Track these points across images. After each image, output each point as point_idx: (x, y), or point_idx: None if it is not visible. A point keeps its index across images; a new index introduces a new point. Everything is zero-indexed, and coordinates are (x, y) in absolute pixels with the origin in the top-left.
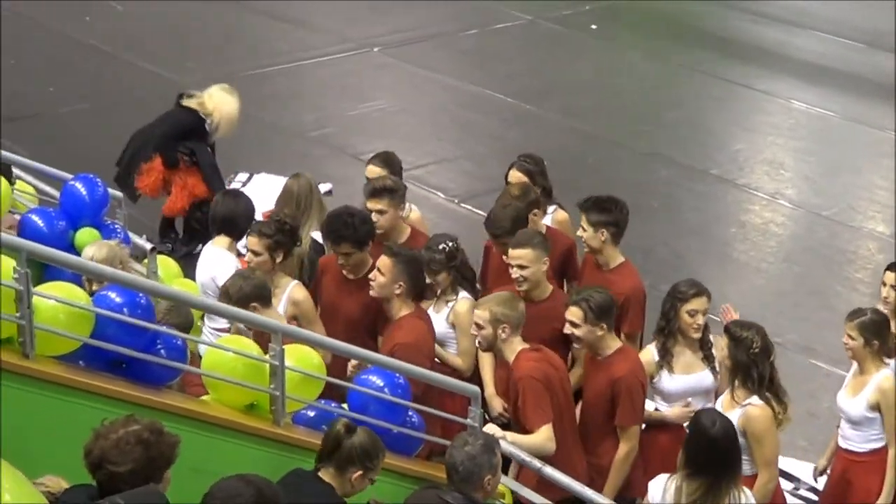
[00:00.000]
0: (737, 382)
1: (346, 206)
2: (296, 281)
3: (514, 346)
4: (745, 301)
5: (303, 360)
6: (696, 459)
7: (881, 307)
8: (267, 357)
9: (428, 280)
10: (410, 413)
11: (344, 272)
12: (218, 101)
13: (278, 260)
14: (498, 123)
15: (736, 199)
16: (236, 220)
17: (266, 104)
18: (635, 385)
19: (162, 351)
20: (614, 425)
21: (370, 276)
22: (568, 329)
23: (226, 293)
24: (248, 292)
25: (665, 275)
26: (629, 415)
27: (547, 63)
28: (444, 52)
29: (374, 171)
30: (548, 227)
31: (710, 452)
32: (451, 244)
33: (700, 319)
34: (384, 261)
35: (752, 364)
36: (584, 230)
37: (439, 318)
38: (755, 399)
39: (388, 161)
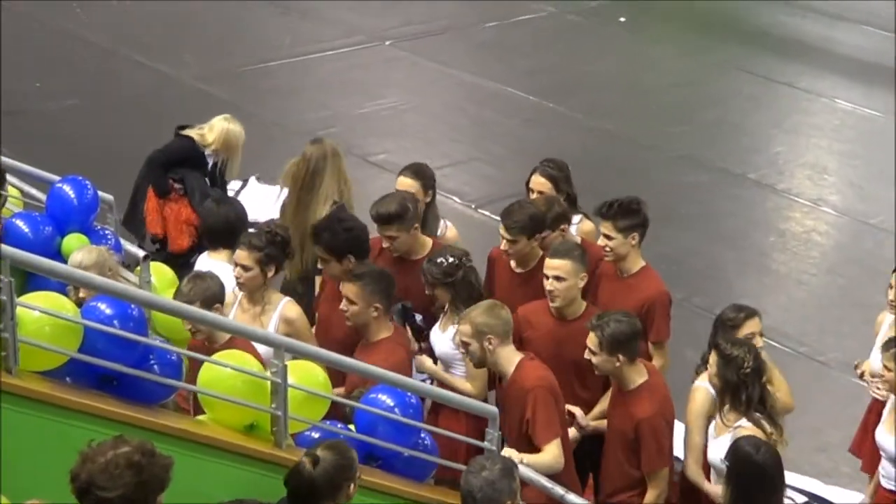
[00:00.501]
0: (726, 404)
1: (349, 214)
2: (288, 298)
3: (510, 357)
4: (785, 316)
5: (307, 377)
6: (745, 493)
7: (889, 312)
8: (268, 374)
9: (427, 292)
10: (423, 435)
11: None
12: (219, 132)
13: (270, 274)
14: (518, 123)
15: (775, 206)
16: (232, 228)
17: (267, 101)
18: (660, 426)
19: (155, 367)
20: (637, 465)
21: (341, 307)
22: (587, 355)
23: (196, 294)
24: (215, 291)
25: (698, 286)
26: (655, 459)
27: (571, 58)
28: (461, 46)
29: (405, 183)
30: (582, 240)
31: (760, 481)
32: (451, 259)
33: (759, 342)
34: (350, 288)
35: (742, 385)
36: (612, 238)
37: (445, 338)
38: (744, 422)
39: (420, 173)
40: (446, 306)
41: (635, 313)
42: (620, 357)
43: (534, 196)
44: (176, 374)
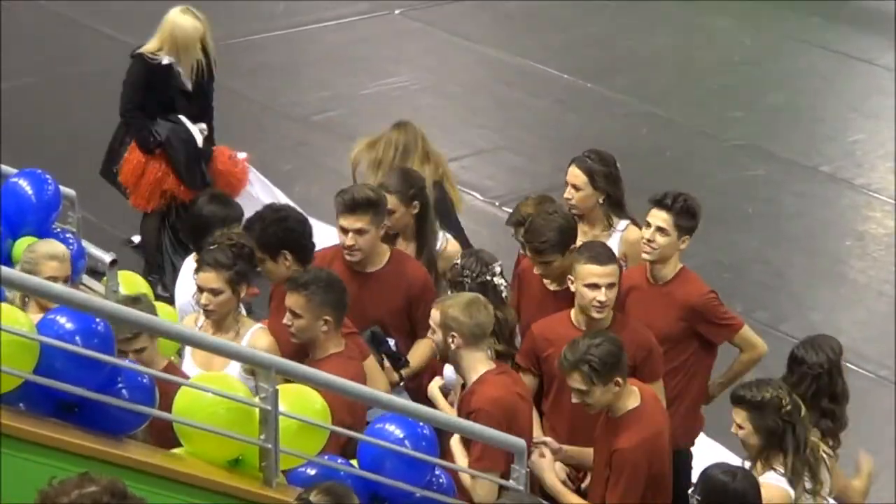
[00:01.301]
0: (764, 459)
1: (286, 206)
2: (259, 325)
3: (474, 365)
4: (864, 333)
5: (302, 404)
6: None
7: None
8: (257, 400)
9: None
10: (437, 472)
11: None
12: (162, 32)
13: (243, 294)
14: (551, 106)
15: (852, 204)
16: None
17: (257, 80)
18: (637, 462)
19: (124, 391)
20: None
21: (285, 320)
22: (575, 398)
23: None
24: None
25: (761, 299)
26: (618, 497)
27: (615, 30)
28: (485, 15)
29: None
30: None
31: None
32: (468, 263)
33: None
34: (295, 299)
35: (788, 426)
36: (667, 233)
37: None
38: (771, 476)
39: (400, 180)
40: None
41: (678, 324)
42: (618, 380)
43: (567, 191)
44: (148, 400)
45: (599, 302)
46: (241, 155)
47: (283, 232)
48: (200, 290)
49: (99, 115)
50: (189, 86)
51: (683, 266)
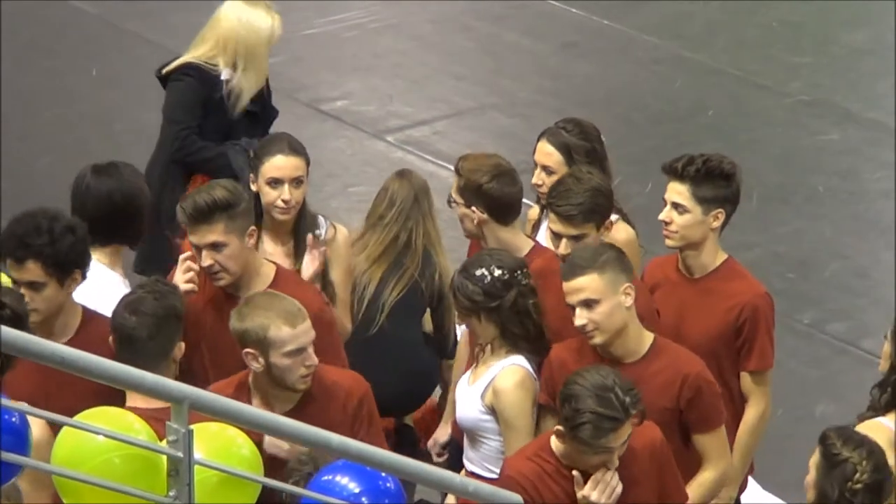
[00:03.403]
0: None
1: (60, 210)
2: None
3: None
4: None
5: (225, 449)
6: None
7: None
8: (163, 445)
9: (458, 322)
10: None
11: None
12: (226, 28)
13: None
14: (557, 51)
15: None
16: (115, 212)
17: (157, 20)
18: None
19: None
20: None
21: None
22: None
23: None
24: None
25: (837, 307)
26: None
27: None
28: None
29: (292, 164)
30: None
31: None
32: (497, 272)
33: None
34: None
35: None
36: (684, 209)
37: (473, 394)
38: None
39: (303, 148)
40: (479, 345)
41: (720, 331)
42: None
43: (536, 175)
44: (19, 446)
45: (579, 325)
46: None
47: (81, 245)
48: None
49: None
50: (251, 104)
51: (729, 257)
